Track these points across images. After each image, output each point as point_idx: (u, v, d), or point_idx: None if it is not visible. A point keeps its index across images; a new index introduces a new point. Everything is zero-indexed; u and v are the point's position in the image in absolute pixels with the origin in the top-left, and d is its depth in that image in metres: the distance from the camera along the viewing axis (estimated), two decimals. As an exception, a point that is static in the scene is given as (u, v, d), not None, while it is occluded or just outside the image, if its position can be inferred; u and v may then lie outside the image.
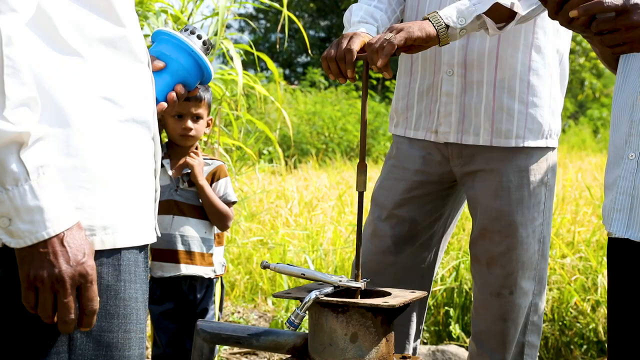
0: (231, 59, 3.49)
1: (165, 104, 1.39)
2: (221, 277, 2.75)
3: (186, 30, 1.44)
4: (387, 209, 2.17)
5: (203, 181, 2.54)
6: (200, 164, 2.54)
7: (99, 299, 1.08)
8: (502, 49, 2.02)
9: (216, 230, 2.64)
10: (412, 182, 2.15)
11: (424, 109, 2.13)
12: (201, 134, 2.60)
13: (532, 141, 2.06)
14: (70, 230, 1.04)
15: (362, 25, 1.97)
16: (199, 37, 1.43)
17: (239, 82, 3.34)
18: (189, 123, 2.49)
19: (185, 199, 2.56)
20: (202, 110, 2.51)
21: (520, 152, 2.07)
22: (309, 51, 4.44)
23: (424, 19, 1.87)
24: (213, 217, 2.57)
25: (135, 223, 1.17)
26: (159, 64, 1.39)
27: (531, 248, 2.09)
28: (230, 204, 2.62)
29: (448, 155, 2.13)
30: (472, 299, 2.24)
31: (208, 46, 1.45)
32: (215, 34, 3.56)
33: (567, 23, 1.34)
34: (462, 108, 2.06)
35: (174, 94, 1.41)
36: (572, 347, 3.37)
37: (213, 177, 2.60)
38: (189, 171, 2.53)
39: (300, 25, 3.86)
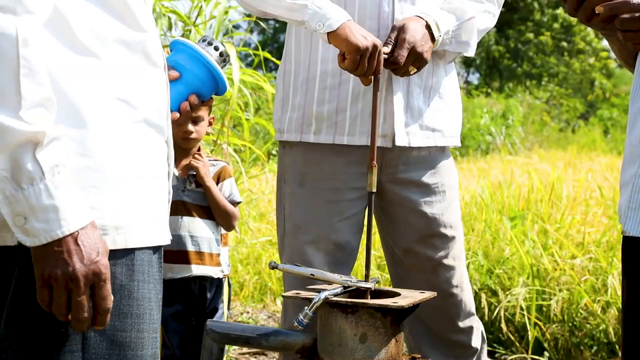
0: (240, 59, 3.51)
1: (177, 114, 1.40)
2: (228, 277, 2.77)
3: (204, 41, 1.45)
4: (320, 235, 2.00)
5: (210, 182, 2.56)
6: (205, 165, 2.56)
7: (112, 297, 1.09)
8: (435, 58, 2.06)
9: (222, 230, 2.66)
10: (346, 202, 2.01)
11: (360, 112, 1.99)
12: (203, 134, 2.62)
13: (457, 140, 2.14)
14: (84, 229, 1.04)
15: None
16: (216, 48, 1.44)
17: (235, 81, 3.36)
18: (190, 127, 2.50)
19: (192, 199, 2.57)
20: (201, 112, 2.52)
21: (446, 152, 2.14)
22: None
23: (431, 36, 1.92)
24: (219, 217, 2.58)
25: (148, 224, 1.18)
26: (174, 73, 1.40)
27: (462, 242, 2.16)
28: (235, 204, 2.64)
29: (382, 164, 2.03)
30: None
31: (225, 58, 1.45)
32: (226, 33, 3.57)
33: (586, 20, 1.34)
34: (407, 109, 2.01)
35: (187, 104, 1.42)
36: (582, 348, 3.36)
37: (218, 178, 2.62)
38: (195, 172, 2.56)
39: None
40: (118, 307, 1.13)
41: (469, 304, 2.16)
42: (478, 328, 2.20)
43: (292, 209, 2.07)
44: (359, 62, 1.82)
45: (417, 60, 1.91)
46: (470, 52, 2.06)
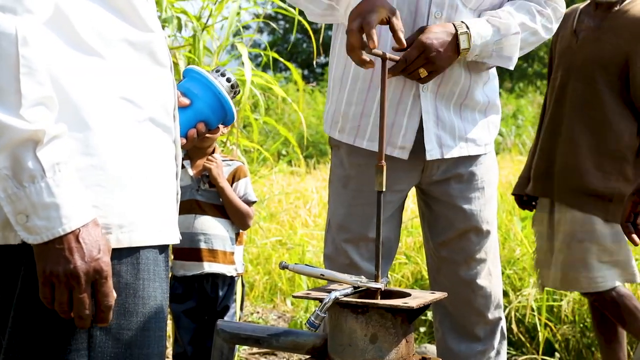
0: (250, 59, 3.52)
1: (185, 140, 1.42)
2: (241, 276, 2.78)
3: (217, 71, 1.48)
4: (360, 235, 2.10)
5: (224, 183, 2.57)
6: (218, 167, 2.57)
7: (114, 295, 1.09)
8: (468, 66, 2.05)
9: (237, 229, 2.67)
10: (386, 203, 2.04)
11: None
12: (218, 133, 2.63)
13: (490, 147, 2.17)
14: (85, 226, 1.05)
15: None
16: (228, 80, 1.47)
17: (247, 82, 3.37)
18: None
19: (206, 198, 2.59)
20: None
21: (485, 155, 2.16)
22: (316, 55, 4.43)
23: (455, 46, 1.90)
24: (234, 216, 2.60)
25: (153, 222, 1.18)
26: (185, 100, 1.41)
27: (497, 236, 2.20)
28: (250, 203, 2.65)
29: (424, 166, 2.08)
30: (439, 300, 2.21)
31: (235, 89, 1.49)
32: (236, 34, 3.58)
33: None
34: (437, 122, 2.03)
35: (194, 131, 1.43)
36: (593, 349, 3.34)
37: (233, 178, 2.64)
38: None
39: (310, 30, 3.88)
40: (123, 306, 1.14)
41: (499, 296, 2.19)
42: (503, 322, 2.23)
43: (335, 208, 2.16)
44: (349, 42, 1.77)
45: (429, 63, 1.89)
46: (511, 66, 2.05)
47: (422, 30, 1.91)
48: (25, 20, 1.02)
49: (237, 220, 2.62)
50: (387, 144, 2.02)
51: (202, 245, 2.58)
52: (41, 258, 1.05)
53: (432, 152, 2.03)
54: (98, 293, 1.07)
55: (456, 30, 1.92)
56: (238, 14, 3.72)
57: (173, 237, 1.24)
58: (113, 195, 1.12)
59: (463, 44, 1.92)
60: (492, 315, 2.18)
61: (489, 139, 2.14)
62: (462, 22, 1.95)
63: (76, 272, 1.04)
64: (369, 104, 2.04)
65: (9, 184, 1.01)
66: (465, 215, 2.11)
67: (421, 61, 1.89)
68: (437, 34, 1.90)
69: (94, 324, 1.09)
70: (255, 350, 3.48)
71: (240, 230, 2.70)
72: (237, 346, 2.69)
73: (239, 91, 1.51)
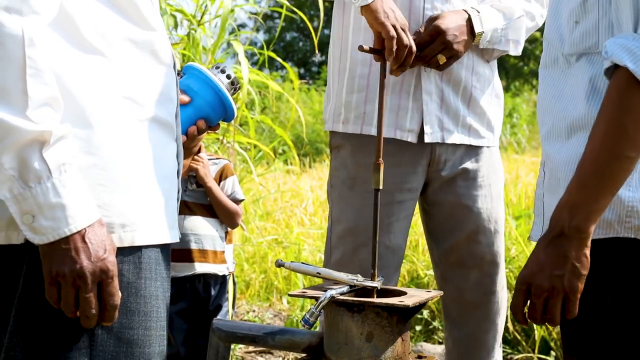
0: (246, 58, 3.53)
1: (185, 137, 1.42)
2: (232, 274, 2.78)
3: (217, 68, 1.48)
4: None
5: (211, 182, 2.58)
6: (205, 167, 2.58)
7: (120, 294, 1.09)
8: (476, 55, 2.04)
9: (226, 228, 2.67)
10: (397, 203, 2.01)
11: (388, 104, 1.96)
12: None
13: (494, 141, 2.11)
14: (91, 226, 1.05)
15: None
16: (228, 76, 1.47)
17: (244, 79, 3.38)
18: None
19: (194, 199, 2.59)
20: None
21: (492, 148, 2.11)
22: (316, 51, 4.45)
23: (470, 29, 1.91)
24: (222, 215, 2.60)
25: (155, 222, 1.19)
26: (185, 98, 1.42)
27: (503, 239, 2.12)
28: (238, 201, 2.65)
29: (430, 161, 2.03)
30: (449, 304, 2.13)
31: (235, 86, 1.48)
32: (232, 32, 3.58)
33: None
34: (442, 105, 1.99)
35: (195, 128, 1.43)
36: (588, 347, 3.34)
37: (220, 177, 2.64)
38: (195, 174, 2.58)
39: (310, 27, 3.88)
40: (125, 305, 1.14)
41: (506, 302, 2.13)
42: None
43: (341, 213, 2.05)
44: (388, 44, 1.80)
45: (446, 49, 1.89)
46: (518, 51, 2.04)
47: (435, 17, 1.91)
48: (31, 21, 1.02)
49: (226, 219, 2.62)
50: (395, 128, 1.98)
51: (193, 246, 2.57)
52: (47, 258, 1.05)
53: (432, 135, 1.98)
54: (104, 292, 1.07)
55: (469, 15, 1.92)
56: (232, 11, 3.72)
57: (174, 236, 1.24)
58: (115, 195, 1.13)
59: (477, 28, 1.93)
60: (501, 322, 2.12)
61: (490, 134, 2.09)
62: (472, 7, 1.95)
63: (83, 272, 1.05)
64: (371, 89, 1.98)
65: (15, 185, 1.02)
66: (472, 214, 2.04)
67: (438, 46, 1.88)
68: (452, 19, 1.90)
69: (100, 322, 1.10)
70: (251, 348, 3.48)
71: (229, 229, 2.70)
72: (232, 345, 2.69)
73: (239, 88, 1.51)
